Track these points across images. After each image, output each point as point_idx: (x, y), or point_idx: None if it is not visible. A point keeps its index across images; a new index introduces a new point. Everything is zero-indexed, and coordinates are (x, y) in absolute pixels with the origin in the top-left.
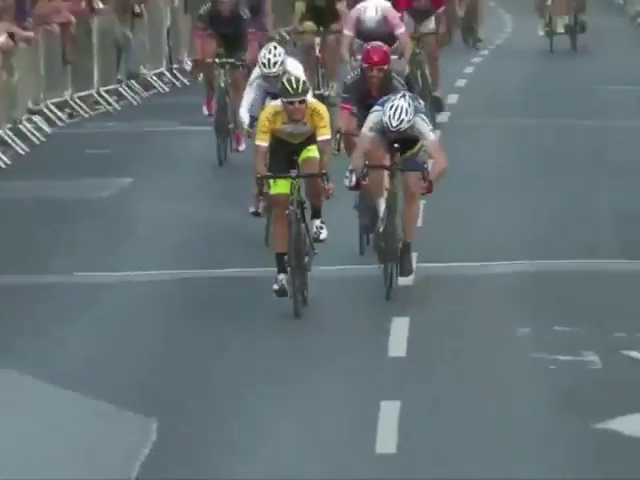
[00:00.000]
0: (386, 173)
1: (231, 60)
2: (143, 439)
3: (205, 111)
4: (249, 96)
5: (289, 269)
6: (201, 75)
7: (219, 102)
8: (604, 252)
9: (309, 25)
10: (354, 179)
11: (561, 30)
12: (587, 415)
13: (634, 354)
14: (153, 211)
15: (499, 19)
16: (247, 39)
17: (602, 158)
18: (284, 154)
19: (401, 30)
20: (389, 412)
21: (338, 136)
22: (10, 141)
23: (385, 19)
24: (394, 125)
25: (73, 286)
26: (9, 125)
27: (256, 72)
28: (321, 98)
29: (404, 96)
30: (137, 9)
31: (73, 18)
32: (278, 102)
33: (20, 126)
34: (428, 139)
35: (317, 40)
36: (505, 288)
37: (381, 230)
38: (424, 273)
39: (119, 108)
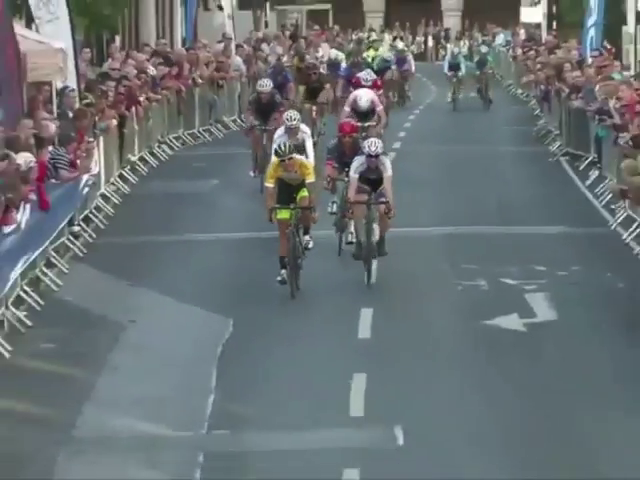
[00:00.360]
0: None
1: (269, 128)
2: (225, 330)
3: (251, 173)
4: (275, 148)
5: (288, 267)
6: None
7: (264, 154)
8: (490, 221)
9: (307, 99)
10: (335, 207)
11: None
12: (479, 316)
13: (507, 280)
14: (229, 200)
15: (428, 88)
16: (278, 113)
17: (490, 169)
18: (287, 192)
19: (380, 107)
20: (366, 315)
21: (329, 179)
22: (148, 159)
23: (372, 102)
24: (372, 150)
25: (184, 241)
26: (147, 150)
27: (278, 132)
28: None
29: (378, 139)
30: (220, 83)
31: (184, 88)
32: (276, 158)
33: (154, 150)
34: (388, 172)
35: (314, 108)
36: (430, 243)
37: (364, 245)
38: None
39: (210, 140)
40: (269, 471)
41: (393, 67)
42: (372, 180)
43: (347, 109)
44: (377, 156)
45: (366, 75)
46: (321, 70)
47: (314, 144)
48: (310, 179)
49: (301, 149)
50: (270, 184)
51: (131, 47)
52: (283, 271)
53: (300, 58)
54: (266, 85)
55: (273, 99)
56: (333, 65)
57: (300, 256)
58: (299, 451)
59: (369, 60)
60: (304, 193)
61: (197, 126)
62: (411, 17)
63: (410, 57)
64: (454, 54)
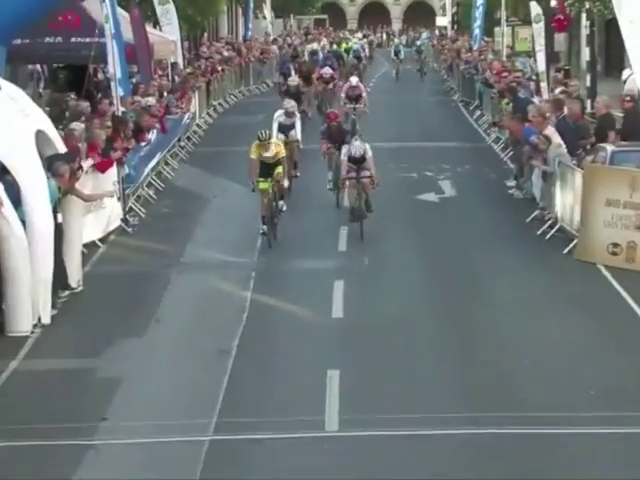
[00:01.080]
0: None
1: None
2: None
3: None
4: (274, 125)
5: (267, 224)
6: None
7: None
8: (418, 139)
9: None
10: (331, 184)
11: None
12: (412, 193)
13: (428, 173)
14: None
15: (383, 64)
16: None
17: (418, 109)
18: (266, 169)
19: (364, 93)
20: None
21: (324, 153)
22: (223, 104)
23: (358, 88)
24: (356, 154)
25: (244, 150)
26: (222, 98)
27: (278, 112)
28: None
29: (358, 140)
30: (264, 60)
31: (243, 63)
32: (258, 141)
33: (227, 99)
34: (369, 154)
35: (304, 90)
36: (383, 151)
37: (356, 210)
38: None
39: (259, 93)
40: (292, 279)
41: (362, 54)
42: (358, 159)
43: (343, 95)
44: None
45: (326, 71)
46: (305, 58)
47: (307, 114)
48: (282, 155)
49: (292, 127)
50: (253, 156)
51: (213, 39)
52: (264, 226)
53: (294, 49)
54: (294, 80)
55: (298, 89)
56: (313, 53)
57: (276, 216)
58: (309, 269)
59: (342, 50)
60: (279, 169)
61: (251, 84)
62: (373, 22)
63: (366, 47)
64: (397, 44)
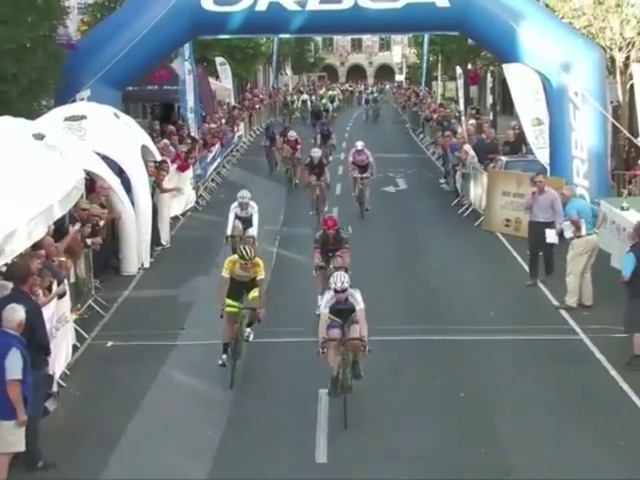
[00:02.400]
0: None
1: (320, 183)
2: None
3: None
4: (231, 215)
5: (229, 351)
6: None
7: (322, 197)
8: (383, 151)
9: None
10: (321, 308)
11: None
12: (379, 186)
13: (389, 174)
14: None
15: (360, 106)
16: (324, 173)
17: (382, 135)
18: (237, 288)
19: (371, 159)
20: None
21: (315, 266)
22: (260, 128)
23: (364, 152)
24: (338, 286)
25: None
26: (258, 125)
27: (234, 205)
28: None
29: (344, 273)
30: (286, 102)
31: (273, 102)
32: (236, 257)
33: (262, 125)
34: (359, 305)
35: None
36: None
37: (339, 379)
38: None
39: (281, 122)
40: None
41: (330, 107)
42: (344, 311)
43: (350, 159)
44: (344, 291)
45: (292, 134)
46: (297, 105)
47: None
48: (261, 275)
49: (249, 220)
50: (226, 274)
51: (254, 87)
52: (224, 356)
53: (284, 98)
54: (317, 152)
55: (321, 161)
56: (303, 102)
57: (241, 342)
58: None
59: (327, 97)
60: (255, 294)
61: (277, 116)
62: (355, 77)
63: (336, 99)
64: (367, 94)
